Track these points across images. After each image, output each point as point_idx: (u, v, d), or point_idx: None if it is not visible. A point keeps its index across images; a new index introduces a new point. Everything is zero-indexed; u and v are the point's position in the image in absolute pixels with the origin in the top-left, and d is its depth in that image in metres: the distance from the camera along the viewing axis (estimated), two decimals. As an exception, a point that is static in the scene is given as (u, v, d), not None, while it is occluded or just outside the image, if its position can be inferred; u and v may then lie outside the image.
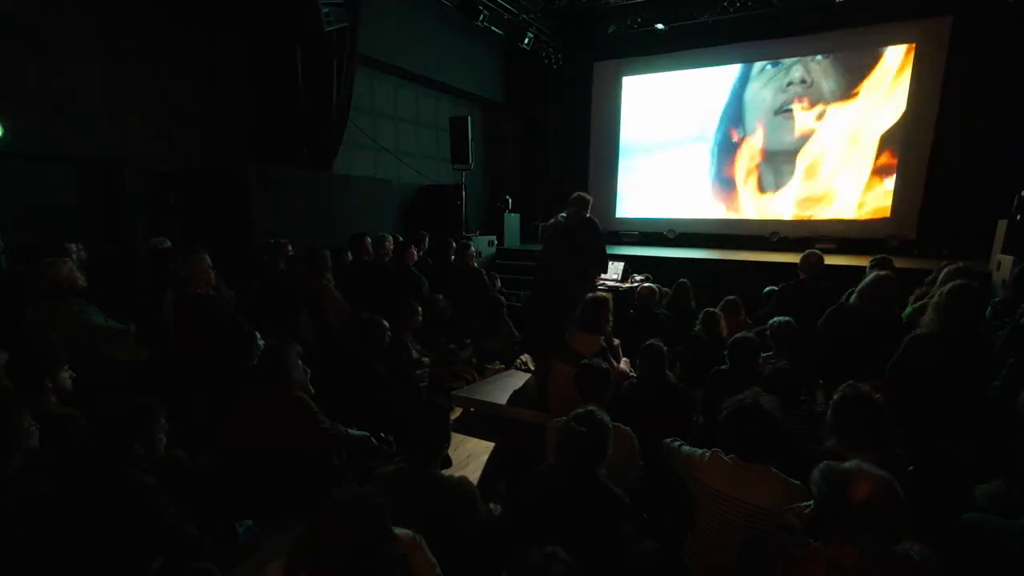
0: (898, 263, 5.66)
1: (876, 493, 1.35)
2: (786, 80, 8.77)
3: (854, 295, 3.31)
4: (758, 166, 9.17)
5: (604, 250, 4.11)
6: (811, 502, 1.56)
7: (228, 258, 4.27)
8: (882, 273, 3.24)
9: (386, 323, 3.53)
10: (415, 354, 4.01)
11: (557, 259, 3.94)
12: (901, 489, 1.38)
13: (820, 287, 4.04)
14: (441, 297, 4.92)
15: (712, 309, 4.06)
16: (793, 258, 4.67)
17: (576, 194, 4.01)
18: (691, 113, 9.59)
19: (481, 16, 7.84)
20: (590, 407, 2.00)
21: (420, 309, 4.14)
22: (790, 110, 8.77)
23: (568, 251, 3.88)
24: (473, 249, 5.69)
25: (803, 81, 8.62)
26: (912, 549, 1.34)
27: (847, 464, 1.45)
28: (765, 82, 8.96)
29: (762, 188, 9.18)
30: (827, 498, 1.43)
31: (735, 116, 9.30)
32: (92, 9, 4.85)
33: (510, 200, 9.31)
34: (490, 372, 4.74)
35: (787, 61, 8.69)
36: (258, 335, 3.08)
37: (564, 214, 4.00)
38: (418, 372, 3.89)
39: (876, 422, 2.02)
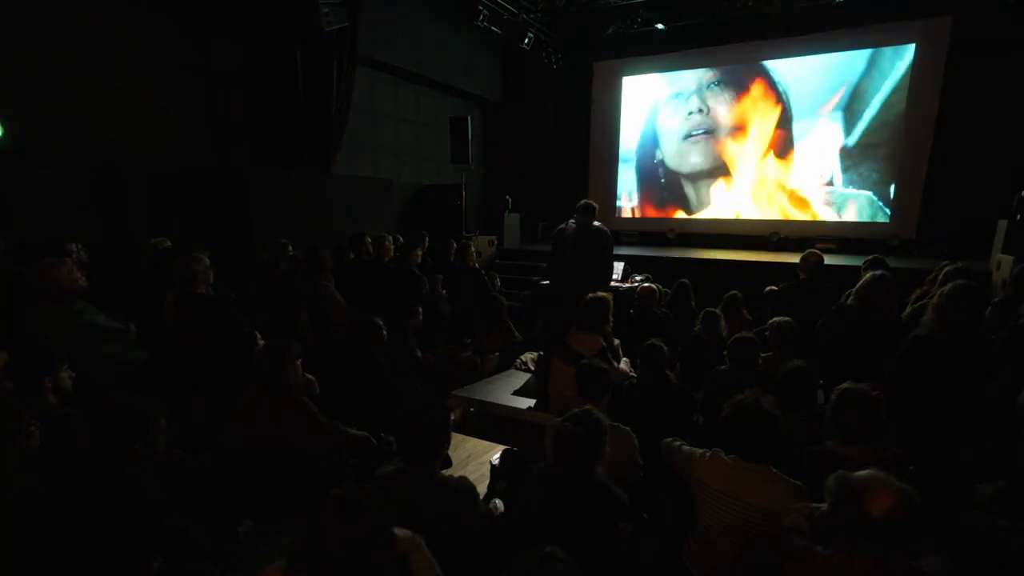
0: (898, 263, 5.68)
1: (897, 507, 1.31)
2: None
3: (851, 296, 3.31)
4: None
5: (611, 263, 4.11)
6: (820, 505, 1.52)
7: (228, 258, 4.27)
8: (877, 273, 3.23)
9: (381, 322, 3.53)
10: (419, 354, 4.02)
11: (565, 266, 3.94)
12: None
13: (820, 287, 4.04)
14: (443, 295, 4.92)
15: (712, 309, 4.06)
16: (793, 258, 4.68)
17: (583, 201, 3.98)
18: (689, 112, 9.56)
19: (481, 16, 7.85)
20: (586, 407, 2.00)
21: (420, 309, 4.14)
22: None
23: (575, 259, 3.89)
24: (473, 249, 5.68)
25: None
26: (927, 564, 1.31)
27: (862, 473, 1.40)
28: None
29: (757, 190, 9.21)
30: (842, 507, 1.39)
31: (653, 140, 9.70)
32: (92, 9, 4.85)
33: (510, 200, 9.30)
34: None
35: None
36: (258, 335, 3.08)
37: (572, 221, 3.99)
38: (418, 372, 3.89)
39: (874, 418, 2.03)
